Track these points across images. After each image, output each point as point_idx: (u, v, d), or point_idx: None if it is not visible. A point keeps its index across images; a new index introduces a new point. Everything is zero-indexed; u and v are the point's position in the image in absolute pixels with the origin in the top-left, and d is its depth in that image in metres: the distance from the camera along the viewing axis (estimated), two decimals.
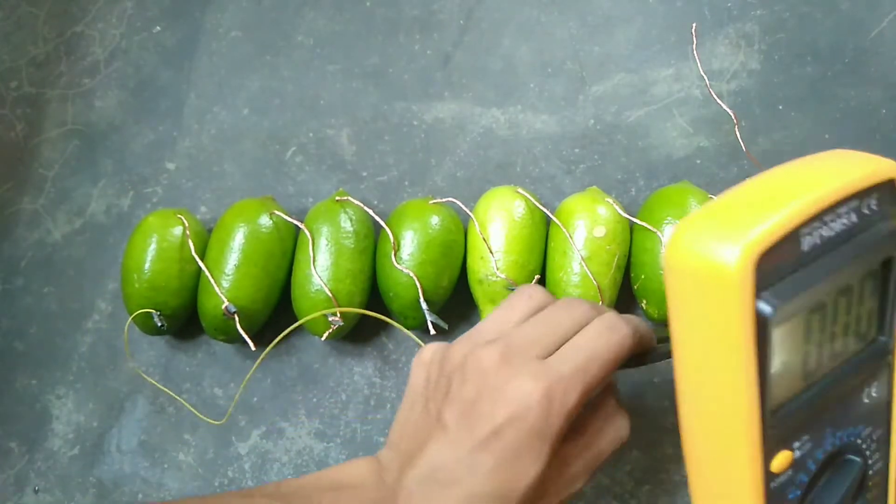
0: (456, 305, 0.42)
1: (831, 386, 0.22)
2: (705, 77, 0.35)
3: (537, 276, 0.39)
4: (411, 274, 0.38)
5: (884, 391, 0.24)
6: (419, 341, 0.39)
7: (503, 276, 0.38)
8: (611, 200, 0.39)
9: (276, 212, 0.41)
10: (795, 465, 0.22)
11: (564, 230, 0.38)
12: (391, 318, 0.39)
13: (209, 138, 0.49)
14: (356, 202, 0.41)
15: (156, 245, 0.41)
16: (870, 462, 0.24)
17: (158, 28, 0.52)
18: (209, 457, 0.43)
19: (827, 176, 0.22)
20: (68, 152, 0.51)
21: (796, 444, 0.22)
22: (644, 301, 0.39)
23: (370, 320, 0.43)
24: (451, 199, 0.41)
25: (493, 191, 0.41)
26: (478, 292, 0.40)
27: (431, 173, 0.46)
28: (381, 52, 0.49)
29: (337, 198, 0.42)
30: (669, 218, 0.38)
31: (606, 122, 0.45)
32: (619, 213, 0.39)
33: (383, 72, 0.49)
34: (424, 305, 0.38)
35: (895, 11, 0.44)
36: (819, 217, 0.21)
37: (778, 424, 0.21)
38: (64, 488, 0.44)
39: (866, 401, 0.24)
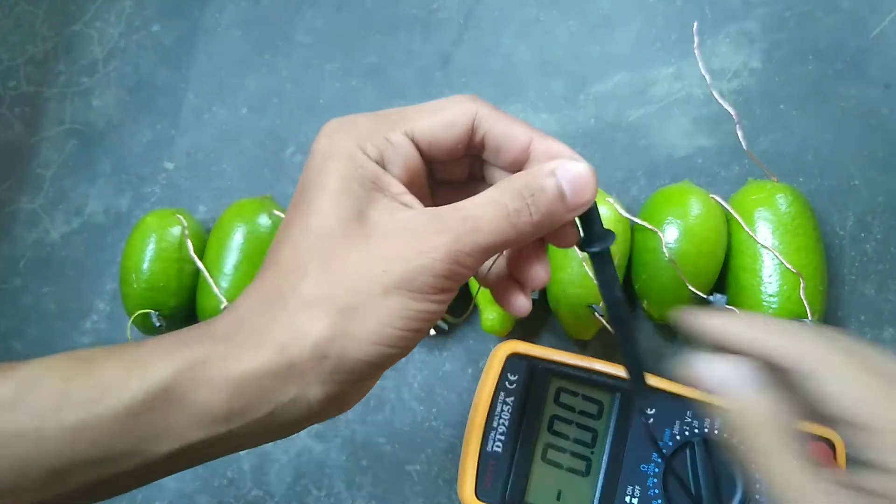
0: (456, 305, 0.42)
1: None
2: (707, 76, 0.34)
3: None
4: None
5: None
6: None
7: None
8: (612, 200, 0.39)
9: (275, 211, 0.41)
10: None
11: None
12: None
13: (208, 137, 0.49)
14: None
15: (154, 245, 0.41)
16: None
17: (157, 27, 0.52)
18: None
19: None
20: (66, 151, 0.50)
21: None
22: (645, 301, 0.39)
23: None
24: None
25: None
26: (478, 293, 0.40)
27: None
28: (381, 50, 0.49)
29: None
30: (670, 217, 0.37)
31: (607, 122, 0.45)
32: (620, 213, 0.38)
33: (382, 70, 0.49)
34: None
35: None
36: None
37: None
38: None
39: None
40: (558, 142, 0.23)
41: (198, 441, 0.21)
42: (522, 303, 0.26)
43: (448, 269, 0.21)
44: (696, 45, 0.33)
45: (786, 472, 0.21)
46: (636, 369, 0.27)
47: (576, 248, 0.25)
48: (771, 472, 0.21)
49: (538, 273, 0.25)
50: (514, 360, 0.38)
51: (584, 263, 0.37)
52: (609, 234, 0.24)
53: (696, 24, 0.33)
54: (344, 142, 0.22)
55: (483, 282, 0.27)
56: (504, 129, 0.23)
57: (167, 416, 0.21)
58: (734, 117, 0.37)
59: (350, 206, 0.22)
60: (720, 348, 0.24)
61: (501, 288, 0.26)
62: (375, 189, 0.22)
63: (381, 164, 0.23)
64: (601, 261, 0.24)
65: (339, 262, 0.21)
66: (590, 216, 0.24)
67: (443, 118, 0.23)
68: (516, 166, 0.24)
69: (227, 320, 0.22)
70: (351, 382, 0.22)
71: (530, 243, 0.25)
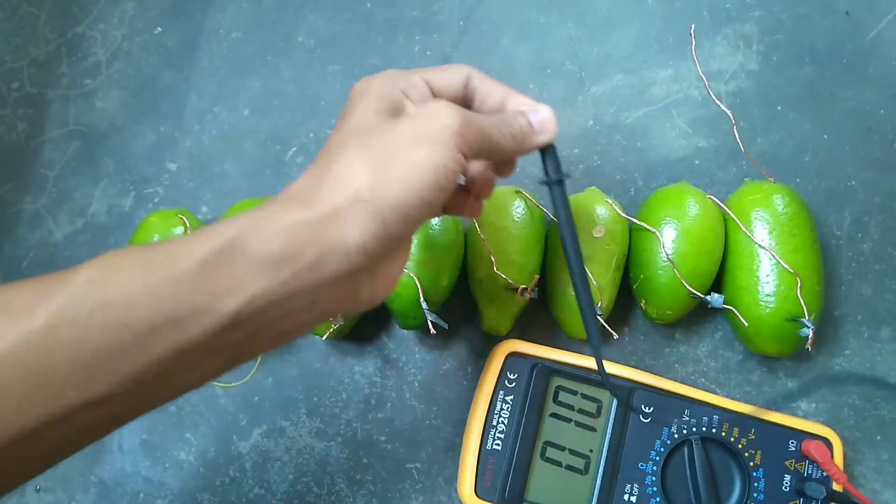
0: (456, 305, 0.42)
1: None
2: (704, 77, 0.35)
3: (537, 276, 0.39)
4: (411, 274, 0.38)
5: None
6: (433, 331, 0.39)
7: (503, 276, 0.38)
8: (610, 200, 0.39)
9: None
10: None
11: None
12: (392, 318, 0.39)
13: (210, 139, 0.49)
14: None
15: None
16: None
17: (159, 29, 0.53)
18: (210, 456, 0.43)
19: None
20: (70, 153, 0.51)
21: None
22: (643, 301, 0.39)
23: (371, 320, 0.43)
24: None
25: (493, 191, 0.41)
26: (478, 292, 0.40)
27: None
28: (382, 52, 0.49)
29: None
30: (668, 218, 0.38)
31: (605, 123, 0.45)
32: (619, 213, 0.39)
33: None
34: (424, 305, 0.38)
35: (893, 13, 0.45)
36: None
37: None
38: (66, 487, 0.44)
39: None
40: (527, 97, 0.31)
41: (257, 294, 0.23)
42: (476, 207, 0.34)
43: (461, 136, 0.26)
44: (692, 47, 0.34)
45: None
46: (586, 299, 0.31)
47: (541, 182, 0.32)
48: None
49: (490, 185, 0.34)
50: (513, 359, 0.39)
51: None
52: (560, 169, 0.31)
53: (693, 26, 0.34)
54: (377, 80, 0.29)
55: (468, 182, 0.34)
56: (488, 86, 0.31)
57: (233, 266, 0.23)
58: (731, 119, 0.38)
59: (383, 108, 0.28)
60: None
61: (463, 202, 0.34)
62: (399, 107, 0.29)
63: (406, 94, 0.29)
64: (558, 191, 0.31)
65: (376, 135, 0.26)
66: (550, 155, 0.31)
67: (447, 72, 0.31)
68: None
69: (284, 192, 0.26)
70: (386, 234, 0.25)
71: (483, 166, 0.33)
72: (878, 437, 0.39)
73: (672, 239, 0.37)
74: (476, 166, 0.34)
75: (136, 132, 0.50)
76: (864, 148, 0.43)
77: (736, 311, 0.37)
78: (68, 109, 0.52)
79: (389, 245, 0.25)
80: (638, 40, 0.47)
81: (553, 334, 0.42)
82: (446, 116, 0.26)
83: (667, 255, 0.37)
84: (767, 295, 0.36)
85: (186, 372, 0.24)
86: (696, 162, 0.44)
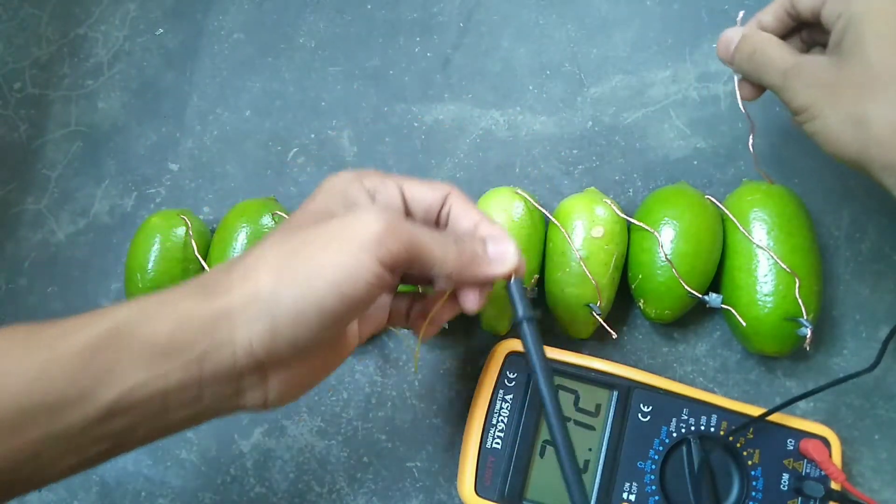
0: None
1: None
2: (735, 78, 0.36)
3: (536, 276, 0.40)
4: None
5: None
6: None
7: None
8: (609, 201, 0.40)
9: (278, 212, 0.42)
10: None
11: (563, 230, 0.39)
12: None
13: (211, 139, 0.50)
14: None
15: (159, 245, 0.41)
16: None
17: (161, 30, 0.53)
18: (212, 454, 0.43)
19: None
20: (72, 153, 0.51)
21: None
22: (642, 300, 0.39)
23: None
24: None
25: (492, 192, 0.42)
26: None
27: (431, 174, 0.47)
28: (382, 54, 0.50)
29: None
30: (667, 218, 0.38)
31: (604, 124, 0.46)
32: (617, 214, 0.39)
33: (384, 74, 0.49)
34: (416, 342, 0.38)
35: None
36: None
37: None
38: (67, 486, 0.44)
39: None
40: (500, 227, 0.30)
41: (137, 384, 0.22)
42: (429, 331, 0.32)
43: (380, 243, 0.24)
44: (739, 18, 0.36)
45: (781, 55, 0.31)
46: (566, 451, 0.29)
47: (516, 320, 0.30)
48: (771, 61, 0.32)
49: (447, 314, 0.32)
50: (513, 358, 0.39)
51: (582, 263, 0.38)
52: (529, 308, 0.29)
53: (741, 13, 0.35)
54: (345, 177, 0.29)
55: (391, 319, 0.33)
56: (464, 209, 0.30)
57: (116, 353, 0.22)
58: (751, 127, 0.37)
59: (327, 207, 0.27)
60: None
61: (417, 321, 0.33)
62: (352, 205, 0.28)
63: (372, 195, 0.29)
64: (529, 329, 0.29)
65: (299, 232, 0.25)
66: (516, 290, 0.29)
67: (428, 186, 0.30)
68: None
69: (196, 277, 0.26)
70: (275, 338, 0.24)
71: (443, 294, 0.31)
72: (877, 437, 0.39)
73: (670, 239, 0.37)
74: (439, 287, 0.31)
75: (137, 133, 0.51)
76: None
77: (734, 311, 0.37)
78: (70, 110, 0.52)
79: (282, 349, 0.24)
80: (637, 41, 0.47)
81: (552, 334, 0.42)
82: (370, 220, 0.25)
83: (665, 255, 0.37)
84: (766, 295, 0.36)
85: (63, 458, 0.23)
86: (695, 162, 0.44)
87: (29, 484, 0.23)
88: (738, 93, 0.36)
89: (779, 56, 0.31)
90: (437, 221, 0.30)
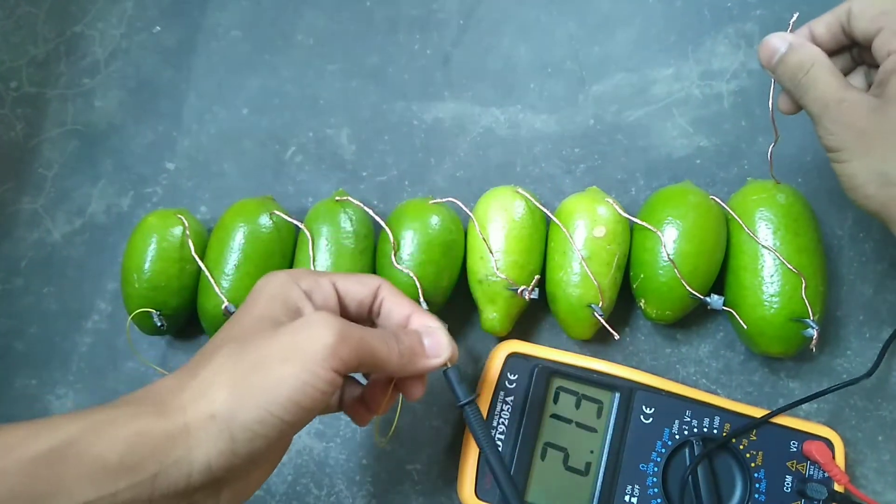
0: (456, 305, 0.42)
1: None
2: (774, 86, 0.33)
3: (537, 276, 0.39)
4: (411, 274, 0.38)
5: None
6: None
7: (503, 276, 0.38)
8: (611, 200, 0.39)
9: (276, 212, 0.41)
10: None
11: (564, 230, 0.38)
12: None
13: (209, 138, 0.49)
14: (356, 202, 0.41)
15: (156, 245, 0.41)
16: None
17: (158, 28, 0.52)
18: None
19: None
20: (68, 152, 0.51)
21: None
22: (643, 300, 0.39)
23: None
24: (451, 199, 0.41)
25: (492, 191, 0.41)
26: (478, 292, 0.40)
27: (431, 173, 0.46)
28: (381, 51, 0.49)
29: (337, 198, 0.42)
30: (670, 218, 0.38)
31: (606, 122, 0.45)
32: (619, 213, 0.39)
33: (383, 71, 0.49)
34: (424, 305, 0.38)
35: None
36: None
37: None
38: None
39: None
40: (432, 317, 0.31)
41: (85, 502, 0.22)
42: (366, 417, 0.33)
43: (334, 353, 0.25)
44: (792, 21, 0.33)
45: (828, 83, 0.30)
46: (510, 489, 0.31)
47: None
48: (816, 85, 0.30)
49: (380, 401, 0.32)
50: (513, 359, 0.38)
51: (584, 263, 0.37)
52: (467, 392, 0.32)
53: (795, 14, 0.33)
54: (278, 279, 0.30)
55: (341, 405, 0.34)
56: (396, 301, 0.31)
57: (65, 469, 0.22)
58: (775, 137, 0.36)
59: (271, 313, 0.28)
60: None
61: (355, 407, 0.33)
62: (295, 309, 0.29)
63: (309, 296, 0.29)
64: (470, 412, 0.31)
65: (250, 345, 0.26)
66: (451, 376, 0.31)
67: (359, 281, 0.31)
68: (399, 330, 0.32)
69: (145, 390, 0.26)
70: (234, 454, 0.24)
71: (383, 380, 0.32)
72: (880, 438, 0.39)
73: (673, 239, 0.37)
74: (377, 377, 0.33)
75: (134, 131, 0.50)
76: None
77: (735, 314, 0.37)
78: (67, 109, 0.52)
79: (239, 464, 0.24)
80: (639, 39, 0.47)
81: (553, 335, 0.42)
82: (322, 331, 0.25)
83: (668, 254, 0.37)
84: (772, 295, 0.36)
85: None
86: (698, 161, 0.44)
87: None
88: (772, 100, 0.34)
89: (825, 84, 0.30)
90: (370, 313, 0.32)
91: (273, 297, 0.28)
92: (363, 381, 0.34)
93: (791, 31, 0.33)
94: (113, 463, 0.22)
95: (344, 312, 0.32)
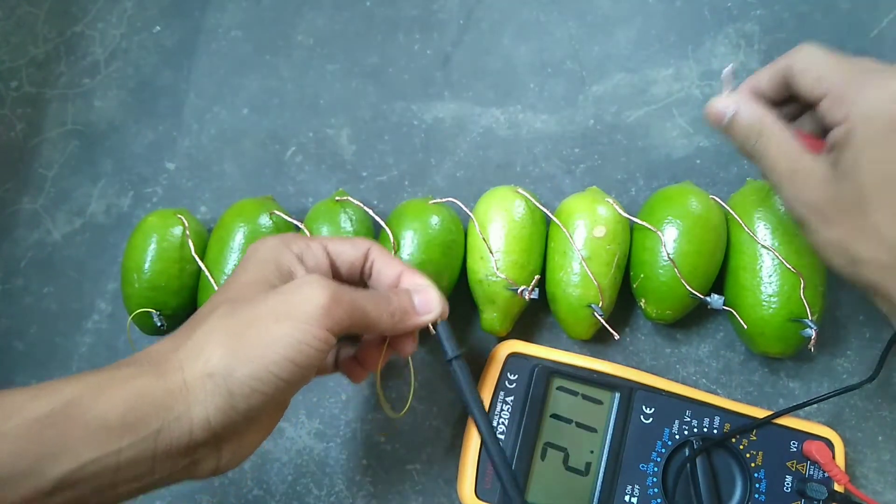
0: (456, 305, 0.42)
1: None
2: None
3: (537, 276, 0.39)
4: None
5: None
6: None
7: (503, 276, 0.38)
8: (611, 200, 0.39)
9: (276, 212, 0.41)
10: None
11: (564, 230, 0.38)
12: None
13: (209, 138, 0.49)
14: (356, 202, 0.41)
15: (156, 245, 0.41)
16: None
17: (158, 28, 0.52)
18: None
19: None
20: (68, 152, 0.51)
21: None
22: (643, 300, 0.39)
23: None
24: (451, 199, 0.41)
25: (492, 191, 0.41)
26: (478, 292, 0.40)
27: (431, 173, 0.46)
28: (381, 51, 0.49)
29: (337, 198, 0.42)
30: (670, 217, 0.38)
31: (606, 122, 0.45)
32: (619, 213, 0.39)
33: (383, 71, 0.49)
34: (378, 385, 0.38)
35: (895, 12, 0.44)
36: None
37: None
38: None
39: None
40: (422, 276, 0.32)
41: (88, 461, 0.22)
42: (361, 375, 0.34)
43: (327, 314, 0.26)
44: (725, 73, 0.31)
45: (779, 153, 0.28)
46: (505, 470, 0.31)
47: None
48: (767, 154, 0.29)
49: (374, 360, 0.33)
50: (513, 359, 0.38)
51: (584, 263, 0.37)
52: (456, 347, 0.32)
53: (730, 65, 0.31)
54: (270, 243, 0.30)
55: (336, 365, 0.34)
56: (385, 261, 0.32)
57: (67, 430, 0.22)
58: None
59: (263, 277, 0.28)
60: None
61: (350, 366, 0.34)
62: (287, 273, 0.29)
63: (300, 259, 0.30)
64: (458, 366, 0.32)
65: (244, 306, 0.26)
66: (443, 333, 0.32)
67: (349, 243, 0.32)
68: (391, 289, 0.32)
69: (142, 352, 0.26)
70: (233, 409, 0.25)
71: (377, 339, 0.33)
72: (880, 438, 0.39)
73: (673, 238, 0.37)
74: (371, 337, 0.33)
75: (134, 131, 0.50)
76: None
77: (735, 313, 0.37)
78: (67, 109, 0.52)
79: (237, 420, 0.25)
80: (639, 39, 0.47)
81: (553, 335, 0.42)
82: (315, 292, 0.26)
83: (668, 254, 0.37)
84: (770, 295, 0.36)
85: None
86: (698, 161, 0.44)
87: None
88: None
89: (775, 154, 0.28)
90: (361, 275, 0.32)
91: (265, 260, 0.29)
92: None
93: (728, 79, 0.31)
94: (114, 421, 0.23)
95: (335, 275, 0.32)
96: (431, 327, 0.32)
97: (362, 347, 0.33)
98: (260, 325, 0.25)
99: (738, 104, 0.30)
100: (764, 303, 0.36)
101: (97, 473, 0.23)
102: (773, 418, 0.36)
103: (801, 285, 0.35)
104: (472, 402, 0.31)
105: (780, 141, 0.28)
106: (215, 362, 0.25)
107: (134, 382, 0.24)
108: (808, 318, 0.35)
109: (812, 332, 0.35)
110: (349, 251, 0.31)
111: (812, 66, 0.28)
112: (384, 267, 0.32)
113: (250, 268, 0.29)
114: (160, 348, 0.26)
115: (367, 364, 0.33)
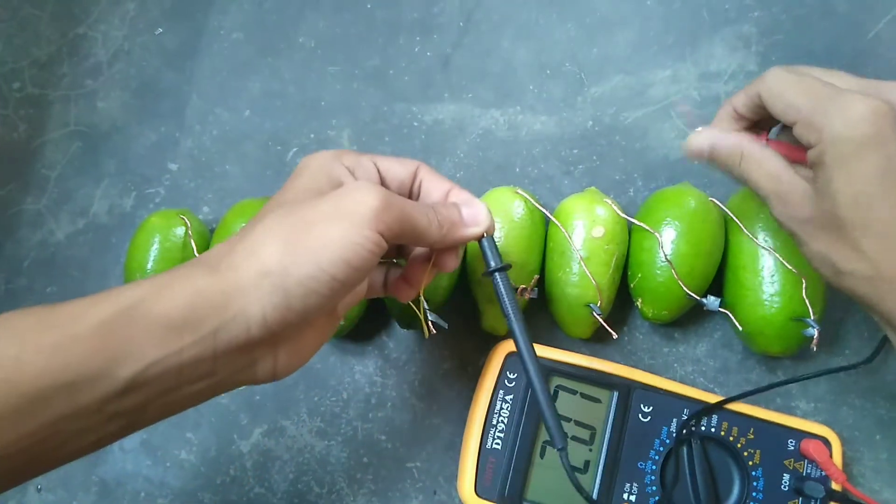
0: (456, 305, 0.42)
1: None
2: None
3: (536, 276, 0.39)
4: None
5: None
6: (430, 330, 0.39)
7: None
8: (609, 201, 0.40)
9: None
10: None
11: (563, 230, 0.39)
12: (391, 317, 0.39)
13: (211, 139, 0.50)
14: None
15: (158, 245, 0.41)
16: None
17: (160, 30, 0.53)
18: (211, 455, 0.43)
19: None
20: (71, 153, 0.51)
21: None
22: (640, 300, 0.39)
23: (371, 319, 0.43)
24: None
25: (492, 191, 0.42)
26: (478, 292, 0.40)
27: None
28: (382, 53, 0.50)
29: None
30: (668, 218, 0.38)
31: (605, 124, 0.46)
32: (618, 214, 0.39)
33: (384, 73, 0.49)
34: (425, 305, 0.38)
35: (892, 13, 0.45)
36: None
37: None
38: (67, 487, 0.44)
39: None
40: (468, 193, 0.32)
41: (153, 361, 0.23)
42: (409, 293, 0.33)
43: (379, 216, 0.26)
44: (680, 110, 0.33)
45: (759, 176, 0.30)
46: (541, 387, 0.30)
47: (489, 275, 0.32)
48: (750, 178, 0.30)
49: (420, 277, 0.33)
50: (513, 359, 0.39)
51: (583, 263, 0.38)
52: (501, 260, 0.31)
53: (682, 106, 0.33)
54: (323, 156, 0.30)
55: (385, 287, 0.34)
56: (434, 179, 0.32)
57: (132, 331, 0.23)
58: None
59: (316, 185, 0.28)
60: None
61: (399, 285, 0.34)
62: (338, 183, 0.29)
63: (351, 172, 0.30)
64: (500, 280, 0.31)
65: (296, 209, 0.27)
66: (488, 246, 0.31)
67: (399, 162, 0.32)
68: None
69: (199, 256, 0.26)
70: (289, 308, 0.25)
71: (423, 256, 0.33)
72: (878, 437, 0.39)
73: (671, 239, 0.37)
74: (417, 254, 0.33)
75: (137, 132, 0.51)
76: None
77: (731, 316, 0.37)
78: (69, 110, 0.52)
79: (293, 319, 0.25)
80: (637, 41, 0.47)
81: (553, 334, 0.42)
82: (367, 195, 0.26)
83: (665, 255, 0.37)
84: (772, 295, 0.36)
85: (78, 437, 0.23)
86: (696, 162, 0.44)
87: (46, 463, 0.23)
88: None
89: (756, 178, 0.30)
90: (410, 194, 0.32)
91: (318, 169, 0.29)
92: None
93: (686, 111, 0.32)
94: (176, 320, 0.23)
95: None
96: (478, 241, 0.32)
97: (409, 265, 0.33)
98: (315, 226, 0.25)
99: (712, 138, 0.31)
100: (765, 302, 0.36)
101: (162, 374, 0.23)
102: (764, 390, 0.37)
103: (803, 285, 0.36)
104: (512, 314, 0.31)
105: (760, 163, 0.30)
106: (272, 262, 0.25)
107: (191, 283, 0.24)
108: (810, 318, 0.36)
109: (815, 332, 0.36)
110: (399, 169, 0.31)
111: (780, 92, 0.29)
112: (433, 185, 0.32)
113: (303, 177, 0.29)
114: (216, 251, 0.26)
115: (413, 282, 0.33)
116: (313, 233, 0.25)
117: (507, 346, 0.39)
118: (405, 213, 0.27)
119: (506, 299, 0.31)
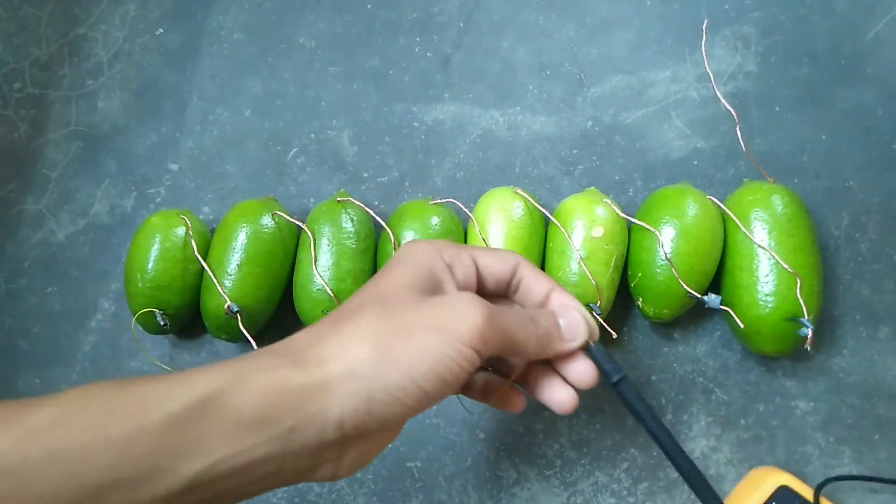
0: None
1: None
2: (710, 74, 0.34)
3: None
4: None
5: None
6: None
7: None
8: (609, 201, 0.40)
9: (278, 212, 0.42)
10: None
11: (563, 230, 0.39)
12: None
13: (211, 139, 0.50)
14: (357, 203, 0.42)
15: (159, 245, 0.41)
16: None
17: (161, 30, 0.53)
18: None
19: None
20: (72, 153, 0.51)
21: None
22: (640, 299, 0.39)
23: None
24: (450, 199, 0.41)
25: (492, 191, 0.42)
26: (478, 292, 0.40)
27: (431, 174, 0.47)
28: (382, 54, 0.50)
29: (338, 198, 0.42)
30: (668, 218, 0.38)
31: (604, 124, 0.46)
32: (618, 214, 0.39)
33: (384, 73, 0.49)
34: None
35: (891, 13, 0.45)
36: None
37: None
38: None
39: None
40: (571, 296, 0.30)
41: (220, 459, 0.22)
42: (520, 402, 0.32)
43: (480, 335, 0.25)
44: (703, 42, 0.33)
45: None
46: (701, 485, 0.29)
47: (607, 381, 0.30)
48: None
49: (558, 390, 0.30)
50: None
51: (582, 263, 0.38)
52: (617, 367, 0.30)
53: (705, 21, 0.33)
54: (424, 247, 0.29)
55: (480, 394, 0.33)
56: (535, 278, 0.30)
57: (203, 426, 0.22)
58: (734, 117, 0.38)
59: (417, 281, 0.27)
60: None
61: (509, 397, 0.32)
62: (438, 282, 0.28)
63: (450, 268, 0.29)
64: (625, 388, 0.29)
65: (396, 309, 0.25)
66: (595, 356, 0.30)
67: (498, 256, 0.30)
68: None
69: (284, 342, 0.25)
70: (370, 414, 0.24)
71: (539, 365, 0.31)
72: (876, 437, 0.39)
73: (671, 238, 0.37)
74: (514, 363, 0.32)
75: (137, 133, 0.51)
76: (862, 148, 0.43)
77: (732, 312, 0.37)
78: (70, 110, 0.52)
79: (371, 426, 0.24)
80: (637, 42, 0.47)
81: None
82: (471, 310, 0.25)
83: (665, 254, 0.37)
84: (767, 295, 0.36)
85: None
86: (695, 162, 0.44)
87: None
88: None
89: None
90: (507, 289, 0.31)
91: (417, 264, 0.28)
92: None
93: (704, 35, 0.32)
94: (250, 417, 0.22)
95: (481, 286, 0.31)
96: (586, 352, 0.30)
97: (508, 370, 0.32)
98: (412, 333, 0.24)
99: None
100: (760, 302, 0.37)
101: (228, 472, 0.22)
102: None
103: (798, 285, 0.36)
104: (651, 420, 0.29)
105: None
106: (362, 363, 0.23)
107: (272, 375, 0.23)
108: (804, 318, 0.36)
109: (808, 332, 0.36)
110: (498, 265, 0.30)
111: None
112: (533, 284, 0.30)
113: (402, 269, 0.28)
114: (302, 338, 0.25)
115: (504, 392, 0.32)
116: (410, 341, 0.24)
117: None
118: (506, 330, 0.26)
119: (638, 408, 0.29)
